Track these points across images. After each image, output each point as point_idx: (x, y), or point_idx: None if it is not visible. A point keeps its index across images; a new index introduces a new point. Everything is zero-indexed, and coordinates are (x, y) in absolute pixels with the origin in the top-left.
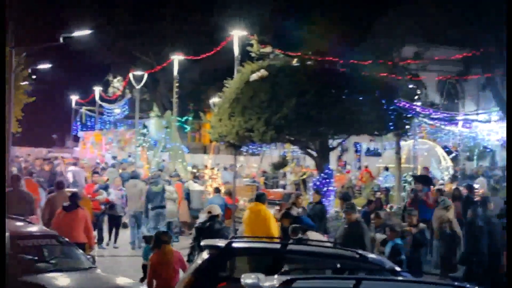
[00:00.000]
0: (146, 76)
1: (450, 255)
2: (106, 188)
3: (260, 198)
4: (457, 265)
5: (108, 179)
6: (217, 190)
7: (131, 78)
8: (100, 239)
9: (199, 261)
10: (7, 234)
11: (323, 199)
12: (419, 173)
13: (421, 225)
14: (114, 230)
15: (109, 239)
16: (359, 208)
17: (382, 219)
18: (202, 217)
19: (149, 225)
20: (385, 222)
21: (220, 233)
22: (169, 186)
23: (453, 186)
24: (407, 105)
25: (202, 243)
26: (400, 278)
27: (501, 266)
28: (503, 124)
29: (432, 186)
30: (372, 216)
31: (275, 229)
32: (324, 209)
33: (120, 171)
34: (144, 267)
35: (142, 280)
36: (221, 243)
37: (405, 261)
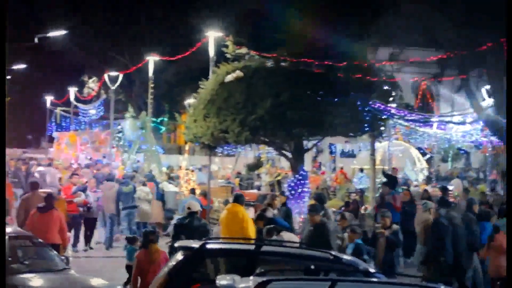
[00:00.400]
0: (121, 76)
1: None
2: (84, 190)
3: (238, 199)
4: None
5: (87, 181)
6: (192, 191)
7: (106, 79)
8: (76, 241)
9: (173, 262)
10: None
11: (298, 201)
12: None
13: (394, 226)
14: (89, 232)
15: (86, 242)
16: (334, 209)
17: (347, 220)
18: (177, 217)
19: (121, 225)
20: (351, 223)
21: (200, 229)
22: (144, 187)
23: (428, 188)
24: (382, 106)
25: (176, 244)
26: (374, 279)
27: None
28: (478, 126)
29: (406, 186)
30: (338, 217)
31: (252, 231)
32: (289, 211)
33: (95, 171)
34: (128, 267)
35: (127, 282)
36: (196, 244)
37: (368, 261)
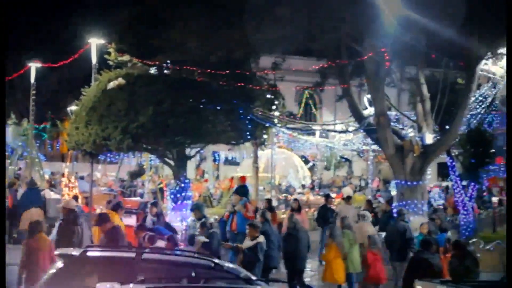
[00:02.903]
0: None
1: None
2: None
3: (114, 206)
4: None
5: None
6: (74, 199)
7: None
8: None
9: (53, 270)
10: None
11: (181, 208)
12: (277, 182)
13: (260, 238)
14: None
15: None
16: (217, 217)
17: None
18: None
19: None
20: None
21: (85, 223)
22: None
23: (311, 195)
24: (265, 114)
25: (56, 252)
26: (255, 286)
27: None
28: (359, 134)
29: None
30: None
31: None
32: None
33: None
34: None
35: None
36: (76, 251)
37: None
